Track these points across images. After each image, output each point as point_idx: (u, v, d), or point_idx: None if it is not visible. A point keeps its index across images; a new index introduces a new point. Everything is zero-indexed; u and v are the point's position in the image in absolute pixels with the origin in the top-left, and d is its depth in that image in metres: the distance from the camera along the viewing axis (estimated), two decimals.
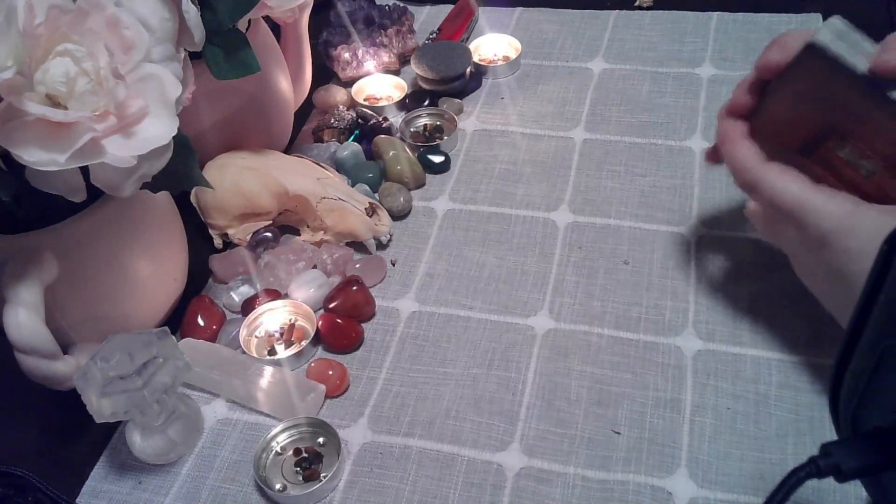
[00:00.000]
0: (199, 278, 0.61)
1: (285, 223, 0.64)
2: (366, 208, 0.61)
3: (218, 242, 0.63)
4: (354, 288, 0.58)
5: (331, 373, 0.54)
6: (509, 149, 0.70)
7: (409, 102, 0.75)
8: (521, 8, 0.85)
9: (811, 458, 0.33)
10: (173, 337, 0.48)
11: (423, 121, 0.73)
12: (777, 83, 0.48)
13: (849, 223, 0.43)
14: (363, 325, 0.57)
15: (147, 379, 0.46)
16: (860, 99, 0.45)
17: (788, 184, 0.46)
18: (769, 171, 0.47)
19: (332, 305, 0.57)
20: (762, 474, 0.47)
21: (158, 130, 0.43)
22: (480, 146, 0.71)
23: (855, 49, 0.44)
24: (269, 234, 0.63)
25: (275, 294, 0.59)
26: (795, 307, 0.55)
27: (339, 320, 0.56)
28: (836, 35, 0.45)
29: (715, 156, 0.53)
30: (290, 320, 0.57)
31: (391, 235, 0.63)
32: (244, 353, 0.55)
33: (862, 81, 0.44)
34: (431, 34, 0.81)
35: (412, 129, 0.72)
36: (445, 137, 0.70)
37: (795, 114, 0.48)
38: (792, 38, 0.47)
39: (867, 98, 0.44)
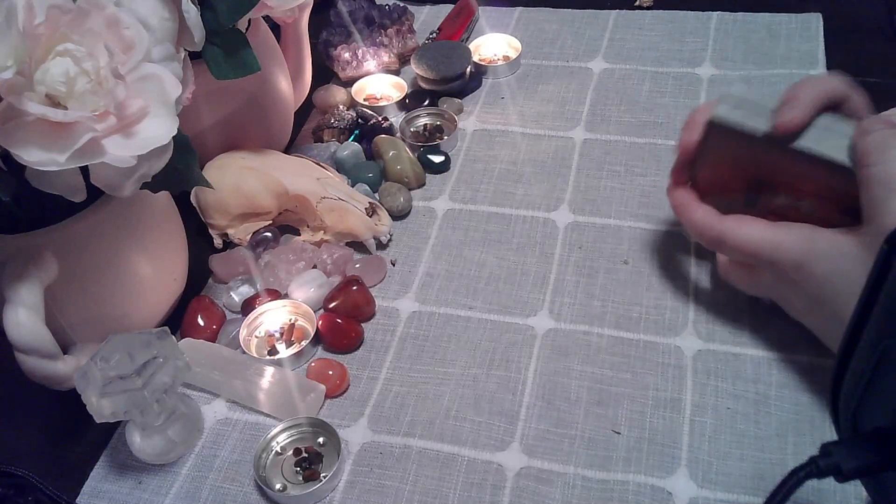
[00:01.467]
0: (199, 278, 0.61)
1: (285, 223, 0.64)
2: (366, 208, 0.61)
3: (218, 242, 0.63)
4: (354, 288, 0.58)
5: (331, 373, 0.54)
6: (509, 149, 0.70)
7: (409, 102, 0.75)
8: (521, 8, 0.85)
9: (811, 458, 0.33)
10: (173, 337, 0.48)
11: (423, 121, 0.73)
12: (697, 157, 0.52)
13: (809, 248, 0.46)
14: (363, 325, 0.57)
15: (147, 379, 0.46)
16: (771, 156, 0.49)
17: (749, 229, 0.49)
18: (729, 223, 0.50)
19: (332, 305, 0.57)
20: (762, 474, 0.47)
21: (158, 130, 0.43)
22: (480, 146, 0.71)
23: (754, 113, 0.49)
24: (269, 234, 0.63)
25: (275, 294, 0.59)
26: None
27: (339, 320, 0.56)
28: (733, 105, 0.50)
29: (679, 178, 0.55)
30: (290, 320, 0.57)
31: (391, 235, 0.63)
32: (244, 353, 0.55)
33: (765, 140, 0.48)
34: (431, 34, 0.81)
35: (412, 129, 0.72)
36: (445, 137, 0.70)
37: (721, 178, 0.52)
38: (700, 114, 0.52)
39: (777, 154, 0.48)
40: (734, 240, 0.49)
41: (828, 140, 0.47)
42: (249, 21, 0.61)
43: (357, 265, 0.60)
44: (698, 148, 0.52)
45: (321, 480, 0.48)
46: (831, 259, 0.45)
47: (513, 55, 0.78)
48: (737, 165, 0.51)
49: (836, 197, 0.48)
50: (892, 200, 0.43)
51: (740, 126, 0.49)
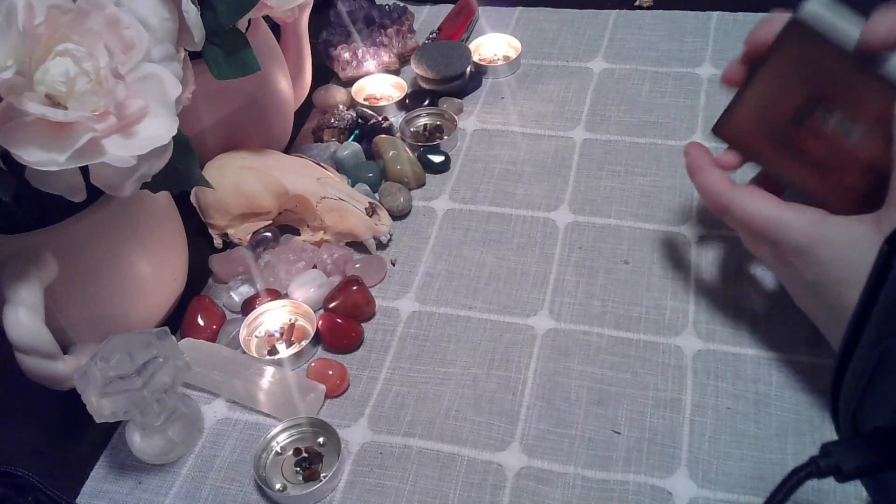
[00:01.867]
0: (199, 278, 0.61)
1: (285, 223, 0.64)
2: (366, 208, 0.61)
3: (218, 242, 0.63)
4: (354, 288, 0.58)
5: (331, 373, 0.54)
6: (509, 149, 0.70)
7: (409, 102, 0.75)
8: (521, 7, 0.85)
9: (811, 458, 0.33)
10: (173, 337, 0.48)
11: (423, 121, 0.73)
12: (766, 57, 0.49)
13: (818, 233, 0.45)
14: (363, 325, 0.57)
15: (147, 379, 0.46)
16: (848, 70, 0.46)
17: (757, 204, 0.48)
18: (738, 194, 0.49)
19: (332, 305, 0.57)
20: (762, 474, 0.47)
21: (158, 130, 0.43)
22: (480, 146, 0.71)
23: (841, 21, 0.46)
24: (269, 234, 0.63)
25: (275, 294, 0.59)
26: (795, 307, 0.55)
27: (339, 320, 0.56)
28: (822, 7, 0.46)
29: (732, 77, 0.53)
30: (290, 320, 0.57)
31: (391, 235, 0.63)
32: (244, 353, 0.55)
33: (848, 53, 0.46)
34: (431, 34, 0.81)
35: (412, 129, 0.72)
36: (445, 137, 0.70)
37: (784, 86, 0.49)
38: (779, 16, 0.49)
39: (855, 70, 0.46)
40: (741, 211, 0.48)
41: None
42: (249, 21, 0.61)
43: (357, 265, 0.60)
44: (770, 47, 0.49)
45: (321, 480, 0.48)
46: (840, 245, 0.44)
47: (513, 55, 0.78)
48: (806, 72, 0.48)
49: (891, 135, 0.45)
50: None
51: (831, 29, 0.46)
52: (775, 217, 0.47)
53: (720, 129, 0.52)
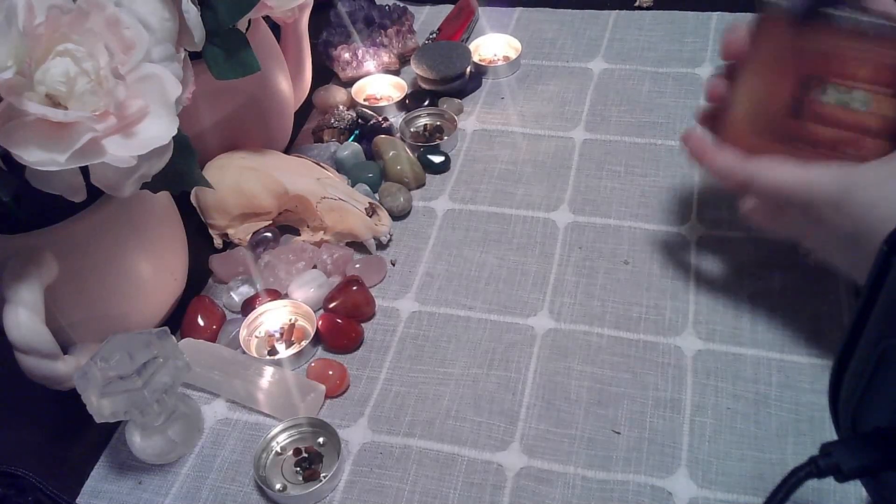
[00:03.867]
0: (199, 278, 0.61)
1: (285, 223, 0.64)
2: (366, 208, 0.61)
3: (218, 242, 0.63)
4: (354, 288, 0.58)
5: (331, 373, 0.54)
6: (509, 149, 0.70)
7: (409, 102, 0.75)
8: (521, 8, 0.85)
9: (811, 458, 0.33)
10: (173, 337, 0.48)
11: (423, 121, 0.73)
12: (745, 61, 0.49)
13: (850, 181, 0.44)
14: (363, 325, 0.57)
15: (147, 379, 0.46)
16: (828, 41, 0.46)
17: (782, 169, 0.47)
18: (759, 164, 0.48)
19: (332, 305, 0.57)
20: (762, 474, 0.47)
21: (158, 130, 0.43)
22: (480, 146, 0.71)
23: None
24: (269, 234, 0.63)
25: (275, 294, 0.59)
26: (795, 307, 0.55)
27: (339, 320, 0.56)
28: None
29: (716, 92, 0.53)
30: (290, 320, 0.57)
31: (391, 235, 0.63)
32: (244, 353, 0.55)
33: (821, 18, 0.46)
34: (431, 34, 0.81)
35: (412, 129, 0.72)
36: (445, 137, 0.70)
37: (770, 82, 0.49)
38: (742, 23, 0.51)
39: (833, 33, 0.46)
40: (766, 180, 0.47)
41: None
42: (249, 21, 0.61)
43: (357, 265, 0.60)
44: (748, 48, 0.49)
45: (321, 480, 0.48)
46: (875, 185, 0.43)
47: (513, 55, 0.78)
48: (785, 63, 0.48)
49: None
50: None
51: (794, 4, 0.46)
52: (803, 178, 0.46)
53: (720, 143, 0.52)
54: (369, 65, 0.77)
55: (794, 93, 0.48)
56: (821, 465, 0.33)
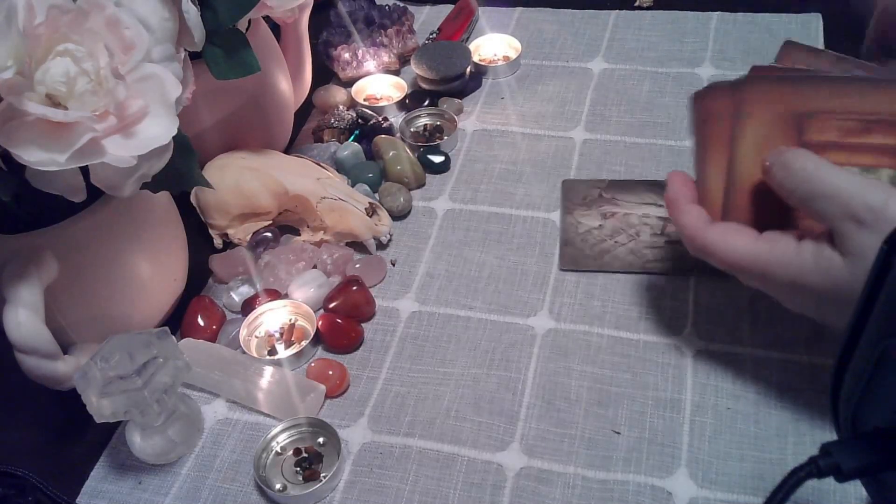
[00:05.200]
0: (199, 278, 0.61)
1: (285, 223, 0.64)
2: (366, 208, 0.61)
3: (218, 242, 0.63)
4: (354, 288, 0.58)
5: (331, 373, 0.54)
6: (509, 149, 0.70)
7: (409, 102, 0.75)
8: (521, 8, 0.85)
9: (811, 458, 0.33)
10: (173, 337, 0.48)
11: (423, 121, 0.73)
12: (732, 136, 0.48)
13: (797, 263, 0.43)
14: (363, 325, 0.57)
15: (147, 379, 0.46)
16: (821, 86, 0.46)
17: (733, 243, 0.46)
18: (712, 234, 0.47)
19: (332, 305, 0.57)
20: (762, 474, 0.47)
21: (158, 130, 0.43)
22: (480, 146, 0.71)
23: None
24: (269, 234, 0.63)
25: (275, 294, 0.59)
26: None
27: (339, 320, 0.56)
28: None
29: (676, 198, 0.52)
30: (290, 320, 0.57)
31: (391, 235, 0.63)
32: (244, 353, 0.55)
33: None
34: (431, 34, 0.81)
35: (412, 129, 0.72)
36: (445, 137, 0.70)
37: (767, 145, 0.47)
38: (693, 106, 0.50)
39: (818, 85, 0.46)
40: (716, 251, 0.46)
41: None
42: (249, 21, 0.61)
43: (357, 265, 0.60)
44: (706, 134, 0.48)
45: (321, 480, 0.48)
46: (822, 272, 0.42)
47: (513, 55, 0.78)
48: (784, 118, 0.47)
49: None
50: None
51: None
52: (752, 254, 0.45)
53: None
54: (369, 65, 0.77)
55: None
56: (821, 465, 0.33)
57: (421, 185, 0.68)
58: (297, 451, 0.50)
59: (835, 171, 0.43)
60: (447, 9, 0.86)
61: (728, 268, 0.47)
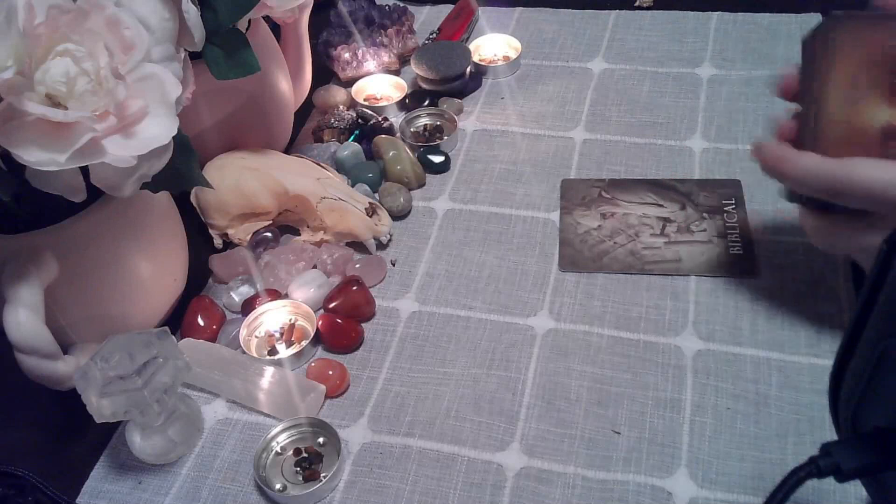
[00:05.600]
0: (199, 278, 0.61)
1: (285, 223, 0.64)
2: (366, 208, 0.61)
3: (218, 242, 0.63)
4: (354, 288, 0.58)
5: (331, 373, 0.54)
6: (509, 149, 0.70)
7: (409, 102, 0.75)
8: (521, 8, 0.85)
9: (811, 458, 0.33)
10: (173, 337, 0.48)
11: (423, 121, 0.73)
12: (822, 72, 0.47)
13: None
14: (363, 325, 0.57)
15: (147, 379, 0.46)
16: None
17: (883, 168, 0.43)
18: (853, 163, 0.44)
19: (332, 305, 0.57)
20: (762, 474, 0.47)
21: (158, 130, 0.43)
22: (480, 146, 0.71)
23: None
24: (269, 234, 0.63)
25: (275, 294, 0.59)
26: (795, 307, 0.55)
27: (339, 320, 0.56)
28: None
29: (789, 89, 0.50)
30: (290, 320, 0.57)
31: (391, 235, 0.63)
32: (244, 353, 0.55)
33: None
34: (431, 34, 0.81)
35: (412, 129, 0.72)
36: (445, 137, 0.70)
37: (858, 85, 0.46)
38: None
39: None
40: (860, 181, 0.43)
41: None
42: (249, 21, 0.61)
43: (357, 265, 0.60)
44: (820, 65, 0.46)
45: (321, 480, 0.48)
46: None
47: (513, 55, 0.78)
48: (870, 66, 0.45)
49: None
50: None
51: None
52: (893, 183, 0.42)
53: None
54: (369, 65, 0.77)
55: (886, 94, 0.45)
56: (821, 465, 0.33)
57: (421, 185, 0.68)
58: (297, 451, 0.50)
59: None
60: (447, 9, 0.86)
61: (868, 195, 0.43)
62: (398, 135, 0.71)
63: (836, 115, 0.46)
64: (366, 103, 0.75)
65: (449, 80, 0.74)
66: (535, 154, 0.69)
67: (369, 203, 0.62)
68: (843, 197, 0.45)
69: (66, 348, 0.49)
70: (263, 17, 0.63)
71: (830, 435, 0.45)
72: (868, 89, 0.46)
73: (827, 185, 0.45)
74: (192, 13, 0.46)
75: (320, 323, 0.56)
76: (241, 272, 0.61)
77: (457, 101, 0.74)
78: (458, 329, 0.57)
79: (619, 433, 0.50)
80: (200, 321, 0.57)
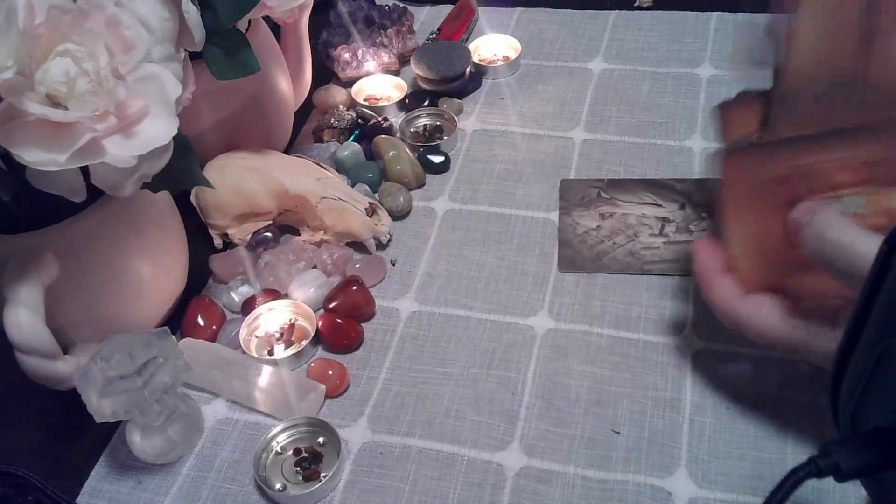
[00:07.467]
0: (199, 278, 0.61)
1: (285, 223, 0.64)
2: (366, 208, 0.61)
3: (218, 242, 0.63)
4: (354, 288, 0.58)
5: (331, 373, 0.54)
6: (509, 149, 0.70)
7: (409, 102, 0.75)
8: (521, 8, 0.85)
9: (811, 457, 0.33)
10: (173, 337, 0.48)
11: (423, 121, 0.73)
12: (723, 204, 0.46)
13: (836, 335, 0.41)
14: (363, 325, 0.57)
15: (147, 379, 0.46)
16: (795, 155, 0.43)
17: (768, 316, 0.44)
18: (747, 307, 0.45)
19: (332, 305, 0.57)
20: (762, 474, 0.47)
21: (158, 130, 0.43)
22: (480, 146, 0.71)
23: None
24: (269, 234, 0.63)
25: (275, 294, 0.59)
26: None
27: (339, 320, 0.56)
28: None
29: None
30: (290, 320, 0.57)
31: (391, 235, 0.63)
32: (244, 353, 0.55)
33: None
34: (431, 34, 0.81)
35: (412, 130, 0.72)
36: (445, 137, 0.70)
37: (757, 214, 0.45)
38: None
39: (800, 151, 0.43)
40: (750, 325, 0.45)
41: None
42: (249, 21, 0.61)
43: (357, 265, 0.60)
44: (721, 196, 0.46)
45: (321, 480, 0.48)
46: None
47: (512, 55, 0.78)
48: (764, 195, 0.44)
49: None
50: None
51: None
52: (785, 334, 0.44)
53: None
54: (369, 65, 0.77)
55: (785, 223, 0.44)
56: (821, 465, 0.33)
57: (421, 185, 0.68)
58: (297, 451, 0.50)
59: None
60: (447, 9, 0.86)
61: (765, 343, 0.45)
62: (398, 135, 0.71)
63: (741, 248, 0.46)
64: (366, 103, 0.75)
65: (449, 81, 0.74)
66: (535, 154, 0.69)
67: (369, 203, 0.62)
68: (739, 330, 0.46)
69: (66, 348, 0.49)
70: (263, 18, 0.63)
71: (830, 435, 0.45)
72: (768, 223, 0.45)
73: (726, 320, 0.46)
74: (192, 13, 0.46)
75: (320, 323, 0.56)
76: (241, 272, 0.61)
77: (457, 101, 0.74)
78: (458, 329, 0.57)
79: (618, 433, 0.50)
80: (200, 321, 0.57)
